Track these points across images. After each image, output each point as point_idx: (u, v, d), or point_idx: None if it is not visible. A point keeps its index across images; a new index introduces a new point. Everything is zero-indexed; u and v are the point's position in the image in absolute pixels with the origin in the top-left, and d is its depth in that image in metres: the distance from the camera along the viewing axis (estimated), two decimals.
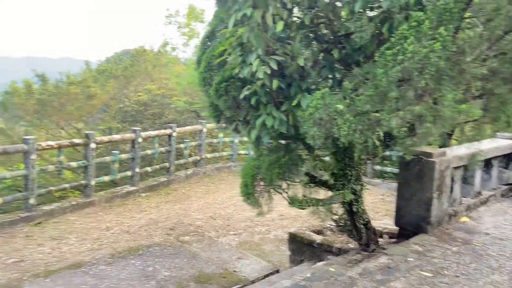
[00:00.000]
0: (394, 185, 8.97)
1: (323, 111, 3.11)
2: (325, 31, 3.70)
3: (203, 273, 5.34)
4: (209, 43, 4.27)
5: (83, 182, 8.02)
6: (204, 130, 10.81)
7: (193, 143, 10.72)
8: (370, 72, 2.94)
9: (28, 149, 6.89)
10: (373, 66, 2.99)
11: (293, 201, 4.19)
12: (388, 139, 3.75)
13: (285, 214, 7.38)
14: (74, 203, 7.72)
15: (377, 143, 3.27)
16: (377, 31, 3.13)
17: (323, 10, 3.50)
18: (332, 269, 3.68)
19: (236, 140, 11.42)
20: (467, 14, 3.40)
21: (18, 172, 7.86)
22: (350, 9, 3.25)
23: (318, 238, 5.11)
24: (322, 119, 3.12)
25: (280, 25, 2.99)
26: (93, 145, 7.98)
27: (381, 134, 3.23)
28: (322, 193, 4.37)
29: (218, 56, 3.74)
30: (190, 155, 10.72)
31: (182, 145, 10.27)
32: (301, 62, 3.41)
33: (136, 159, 8.92)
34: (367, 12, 3.29)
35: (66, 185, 8.25)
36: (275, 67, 3.22)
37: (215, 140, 11.40)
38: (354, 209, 4.26)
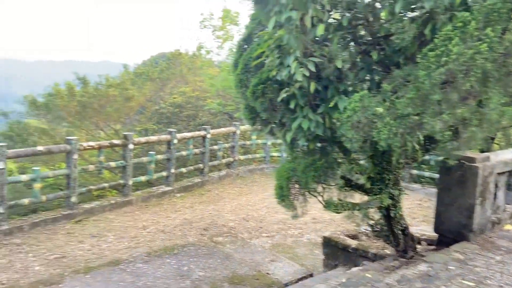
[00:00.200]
0: (432, 190, 8.79)
1: (361, 113, 3.06)
2: (363, 33, 3.65)
3: (237, 274, 5.37)
4: (245, 46, 4.30)
5: (121, 181, 8.26)
6: (238, 132, 10.89)
7: (227, 145, 10.83)
8: (411, 74, 2.87)
9: (70, 149, 7.18)
10: (414, 68, 2.92)
11: (329, 205, 4.15)
12: (428, 143, 3.65)
13: (318, 218, 7.31)
14: (112, 202, 7.96)
15: (417, 147, 3.18)
16: (418, 32, 3.05)
17: (361, 11, 3.45)
18: (369, 275, 3.60)
19: (269, 142, 11.43)
20: None
21: (60, 171, 8.21)
22: (390, 10, 3.19)
23: (353, 243, 5.02)
24: (360, 122, 3.07)
25: (321, 28, 2.98)
26: (131, 146, 8.21)
27: (421, 137, 3.15)
28: (357, 197, 4.31)
29: (255, 58, 3.76)
30: (223, 157, 10.82)
31: (215, 147, 10.39)
32: (339, 64, 3.37)
33: (172, 160, 9.10)
34: (407, 13, 3.22)
35: (105, 184, 8.53)
36: (313, 69, 3.21)
37: (248, 142, 11.47)
38: (392, 214, 4.17)
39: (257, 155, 11.80)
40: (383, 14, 3.44)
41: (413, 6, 3.12)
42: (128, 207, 8.02)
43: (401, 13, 3.12)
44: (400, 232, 4.26)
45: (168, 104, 14.89)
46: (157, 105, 15.48)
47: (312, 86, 3.34)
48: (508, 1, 2.69)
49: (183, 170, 9.68)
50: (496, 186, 4.55)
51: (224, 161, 10.77)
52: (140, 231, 6.84)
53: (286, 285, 5.15)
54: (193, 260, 5.71)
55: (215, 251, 6.08)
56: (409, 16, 3.13)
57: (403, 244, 4.31)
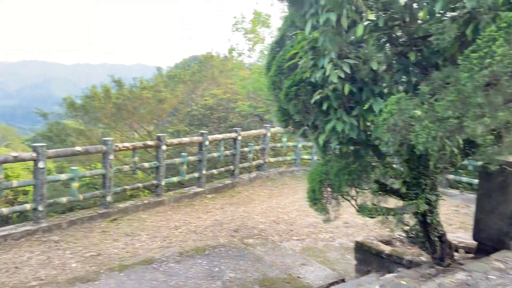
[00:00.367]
0: (470, 196, 8.47)
1: (398, 116, 2.98)
2: (399, 34, 3.56)
3: (267, 277, 5.35)
4: (278, 48, 4.29)
5: (154, 182, 8.43)
6: (268, 134, 10.88)
7: (257, 147, 10.84)
8: (452, 76, 2.77)
9: (106, 149, 7.39)
10: (454, 69, 2.82)
11: (362, 209, 4.07)
12: (468, 148, 3.52)
13: (350, 222, 7.20)
14: (146, 201, 8.13)
15: (456, 151, 3.07)
16: (459, 33, 2.95)
17: (398, 12, 3.37)
18: (404, 282, 3.51)
19: (300, 145, 11.36)
20: None
21: (96, 171, 8.47)
22: (429, 10, 3.10)
23: (386, 249, 4.90)
24: (396, 125, 3.00)
25: (360, 28, 2.93)
26: (164, 147, 8.36)
27: (461, 141, 3.04)
28: (392, 202, 4.20)
29: (288, 60, 3.75)
30: (254, 159, 10.85)
31: (246, 149, 10.42)
32: (374, 65, 3.31)
33: (203, 162, 9.20)
34: (447, 13, 3.12)
35: (139, 185, 8.72)
36: (348, 71, 3.16)
37: (278, 145, 11.44)
38: (428, 221, 4.04)
39: (288, 158, 11.75)
40: (420, 15, 3.35)
41: (453, 6, 3.01)
42: (161, 207, 8.17)
43: (441, 13, 3.02)
44: (436, 238, 4.13)
45: (200, 106, 15.10)
46: (188, 107, 15.74)
47: (347, 88, 3.29)
48: None
49: (214, 171, 9.78)
50: None
51: (254, 163, 10.78)
52: (172, 231, 6.95)
53: None
54: (224, 261, 5.75)
55: (246, 253, 6.09)
56: (449, 16, 3.03)
57: (440, 251, 4.17)
